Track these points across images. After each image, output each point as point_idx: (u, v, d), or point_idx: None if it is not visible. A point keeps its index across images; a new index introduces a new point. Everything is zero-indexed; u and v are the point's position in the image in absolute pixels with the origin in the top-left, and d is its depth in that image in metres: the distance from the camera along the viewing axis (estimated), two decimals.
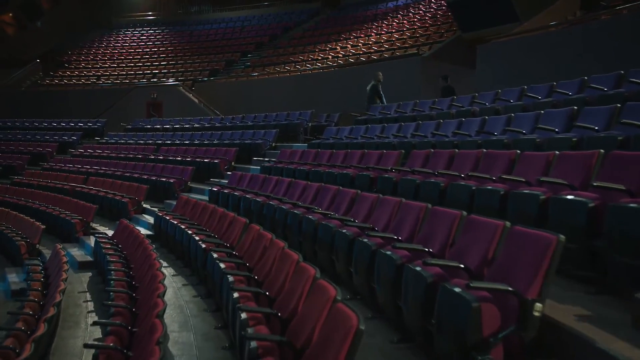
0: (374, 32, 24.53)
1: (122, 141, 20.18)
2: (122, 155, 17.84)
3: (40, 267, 9.62)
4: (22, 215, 13.82)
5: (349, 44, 24.21)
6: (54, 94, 27.56)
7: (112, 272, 7.12)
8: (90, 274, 9.50)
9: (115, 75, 29.29)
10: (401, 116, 11.41)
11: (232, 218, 7.67)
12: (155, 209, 12.44)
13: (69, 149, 20.81)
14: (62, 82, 29.68)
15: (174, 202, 11.71)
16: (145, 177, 14.43)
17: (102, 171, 16.55)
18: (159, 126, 20.90)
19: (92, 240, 10.50)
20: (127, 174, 15.30)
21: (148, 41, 33.67)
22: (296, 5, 32.93)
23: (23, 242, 11.80)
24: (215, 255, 6.30)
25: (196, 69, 27.47)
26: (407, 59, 18.44)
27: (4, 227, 13.39)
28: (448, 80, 13.72)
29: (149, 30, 35.40)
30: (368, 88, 13.98)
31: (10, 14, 33.58)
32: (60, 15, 35.13)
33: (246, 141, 14.70)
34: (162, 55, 30.91)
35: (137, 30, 35.54)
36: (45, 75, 31.30)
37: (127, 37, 35.04)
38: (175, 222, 9.04)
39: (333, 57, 23.17)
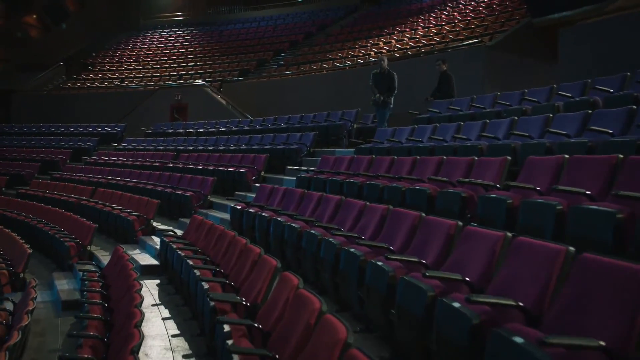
0: (420, 26, 22.27)
1: (140, 147, 18.00)
2: (138, 163, 15.62)
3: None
4: (13, 235, 11.63)
5: (393, 38, 21.91)
6: (76, 97, 25.89)
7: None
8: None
9: (140, 77, 27.44)
10: (478, 112, 8.83)
11: (256, 256, 5.20)
12: (169, 228, 10.15)
13: (83, 156, 18.71)
14: (84, 85, 27.99)
15: (189, 222, 9.37)
16: (160, 188, 12.11)
17: (113, 181, 14.34)
18: (181, 130, 18.67)
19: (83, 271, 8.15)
20: (140, 185, 13.03)
21: (176, 42, 31.94)
22: (332, 2, 31.10)
23: (5, 272, 9.57)
24: (226, 329, 3.86)
25: (225, 69, 25.39)
26: (464, 50, 15.86)
27: None
28: (446, 65, 11.48)
29: (177, 31, 33.75)
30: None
31: (35, 16, 32.19)
32: (86, 17, 33.83)
33: (278, 146, 12.26)
34: (190, 56, 29.07)
35: (164, 32, 33.96)
36: (68, 78, 29.72)
37: (154, 38, 33.36)
38: (182, 254, 6.62)
39: (376, 52, 20.81)
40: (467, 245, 3.89)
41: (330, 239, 5.26)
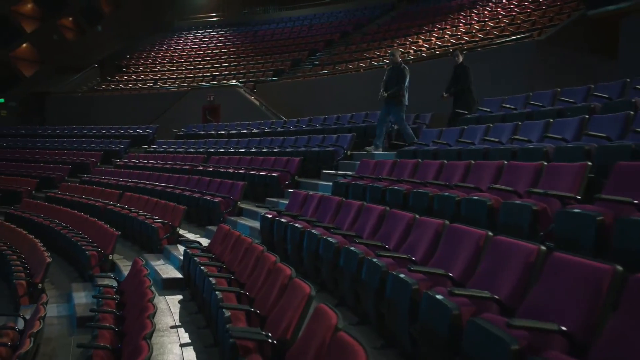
0: (462, 22, 21.33)
1: (171, 149, 17.44)
2: (168, 166, 15.04)
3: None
4: (35, 241, 11.11)
5: (433, 36, 21.00)
6: (109, 99, 25.67)
7: None
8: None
9: (173, 79, 27.05)
10: (536, 111, 7.88)
11: (287, 279, 4.40)
12: (195, 237, 9.46)
13: (113, 159, 18.26)
14: (117, 87, 27.74)
15: (216, 230, 8.67)
16: (188, 193, 11.45)
17: (141, 185, 13.76)
18: (212, 132, 18.04)
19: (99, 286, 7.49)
20: (169, 189, 12.40)
21: (210, 43, 31.58)
22: (369, 1, 30.36)
23: (23, 282, 9.02)
24: None
25: (259, 70, 24.80)
26: (511, 46, 14.84)
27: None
28: (462, 58, 10.60)
29: (211, 32, 33.41)
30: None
31: (70, 19, 32.17)
32: (121, 19, 33.79)
33: (313, 149, 11.47)
34: (224, 57, 28.62)
35: (198, 32, 33.68)
36: (102, 80, 29.59)
37: (188, 39, 33.07)
38: (205, 271, 5.87)
39: (415, 51, 19.92)
40: (553, 280, 3.02)
41: (374, 260, 4.43)
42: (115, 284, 7.22)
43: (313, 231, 6.02)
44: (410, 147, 8.92)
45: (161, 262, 8.71)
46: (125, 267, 9.00)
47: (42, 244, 10.75)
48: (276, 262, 4.96)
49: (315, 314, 3.49)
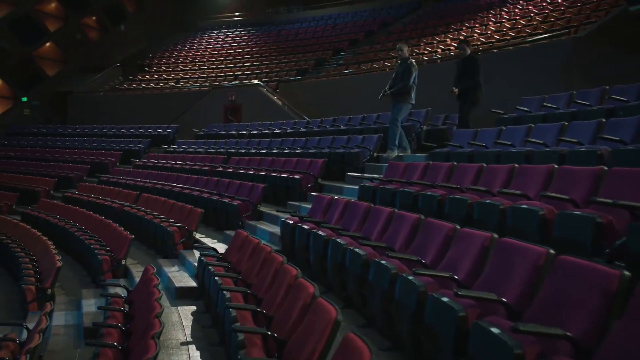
0: (492, 21, 20.64)
1: (191, 149, 17.01)
2: (187, 167, 14.59)
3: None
4: (48, 243, 10.71)
5: (462, 34, 20.30)
6: (131, 98, 25.39)
7: None
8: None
9: (195, 78, 26.72)
10: (582, 110, 7.21)
11: (309, 298, 3.85)
12: (212, 242, 8.96)
13: (132, 159, 17.89)
14: (139, 86, 27.50)
15: (234, 235, 8.16)
16: (206, 195, 10.96)
17: (159, 186, 13.32)
18: (233, 132, 17.58)
19: (106, 296, 7.02)
20: (186, 191, 11.93)
21: (232, 42, 31.23)
22: (394, 0, 29.64)
23: (31, 287, 8.60)
24: None
25: (282, 69, 24.32)
26: (545, 45, 14.15)
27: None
28: (469, 50, 9.56)
29: (234, 31, 33.06)
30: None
31: (94, 18, 32.07)
32: (144, 18, 33.64)
33: (338, 150, 10.90)
34: (246, 57, 28.20)
35: (221, 32, 33.37)
36: (124, 79, 29.38)
37: (210, 39, 32.77)
38: (220, 283, 5.35)
39: (443, 50, 19.28)
40: (561, 284, 2.51)
41: (410, 278, 3.85)
42: (124, 293, 6.74)
43: (338, 240, 5.46)
44: (443, 149, 8.29)
45: (175, 268, 8.21)
46: (138, 273, 8.52)
47: (54, 247, 10.36)
48: (297, 277, 4.41)
49: (344, 346, 2.92)
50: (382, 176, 7.96)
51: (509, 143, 6.93)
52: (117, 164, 18.29)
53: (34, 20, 28.28)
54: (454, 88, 9.28)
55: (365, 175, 8.73)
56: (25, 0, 27.85)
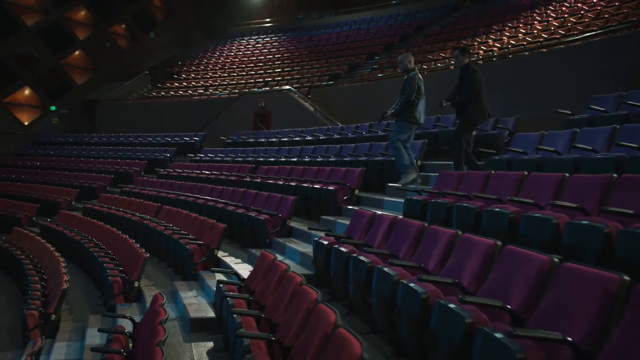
0: (537, 20, 19.38)
1: (218, 158, 16.08)
2: (213, 177, 13.63)
3: None
4: (59, 260, 9.82)
5: (505, 35, 19.12)
6: (159, 106, 24.78)
7: None
8: None
9: (224, 85, 25.93)
10: None
11: (356, 358, 2.74)
12: (236, 263, 7.92)
13: (157, 168, 17.04)
14: (168, 94, 26.86)
15: (258, 257, 7.11)
16: (231, 208, 9.93)
17: (182, 197, 12.38)
18: (262, 139, 16.59)
19: (106, 332, 6.02)
20: (210, 203, 10.93)
21: (263, 49, 30.45)
22: (430, 3, 28.73)
23: (34, 313, 7.68)
24: None
25: (314, 75, 23.36)
26: (600, 42, 12.85)
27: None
28: (467, 58, 7.84)
29: (265, 37, 32.29)
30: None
31: (123, 26, 31.69)
32: (174, 26, 33.21)
33: (376, 158, 9.78)
34: (277, 62, 27.35)
35: (252, 39, 32.63)
36: (153, 87, 28.81)
37: (241, 45, 32.07)
38: (238, 321, 4.28)
39: (485, 51, 18.08)
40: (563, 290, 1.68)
41: (499, 337, 2.71)
42: (129, 326, 5.73)
43: (386, 270, 4.33)
44: (503, 156, 7.10)
45: (193, 293, 7.18)
46: (152, 297, 7.53)
47: (66, 264, 9.52)
48: (336, 324, 3.31)
49: None
50: (431, 188, 6.80)
51: (589, 147, 5.72)
52: (142, 173, 17.49)
53: (63, 29, 27.94)
54: (443, 101, 7.87)
55: (410, 186, 7.58)
56: (55, 9, 27.54)
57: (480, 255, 3.83)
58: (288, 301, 4.48)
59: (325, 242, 5.94)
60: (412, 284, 3.83)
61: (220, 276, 7.05)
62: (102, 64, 29.26)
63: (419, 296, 3.66)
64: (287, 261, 7.18)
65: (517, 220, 4.55)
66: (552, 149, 6.22)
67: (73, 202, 16.40)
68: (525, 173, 5.40)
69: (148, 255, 8.12)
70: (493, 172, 5.98)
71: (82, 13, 29.40)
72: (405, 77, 8.25)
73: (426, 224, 4.96)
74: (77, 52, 28.90)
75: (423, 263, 4.47)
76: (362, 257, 4.94)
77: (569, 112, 7.76)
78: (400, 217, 5.79)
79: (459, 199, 5.77)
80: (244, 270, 7.12)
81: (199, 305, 6.53)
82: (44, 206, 16.36)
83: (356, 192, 8.88)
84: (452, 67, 16.26)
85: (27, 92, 27.00)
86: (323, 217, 8.47)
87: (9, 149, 24.37)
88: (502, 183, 5.65)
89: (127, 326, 5.82)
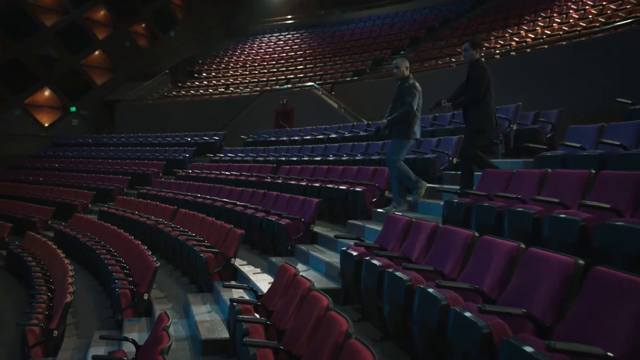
0: (572, 8, 18.29)
1: (238, 158, 15.38)
2: (232, 177, 12.93)
3: None
4: (67, 268, 9.19)
5: (539, 25, 18.11)
6: (179, 105, 24.23)
7: None
8: None
9: (245, 83, 25.28)
10: None
11: None
12: (256, 271, 7.20)
13: (175, 169, 16.40)
14: (188, 93, 26.30)
15: (280, 264, 6.36)
16: (250, 211, 9.20)
17: (199, 200, 11.71)
18: (284, 138, 15.85)
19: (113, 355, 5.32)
20: (229, 206, 10.22)
21: (285, 46, 29.77)
22: None
23: (35, 329, 7.03)
24: None
25: (337, 71, 22.56)
26: None
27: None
28: (478, 53, 6.59)
29: (287, 34, 31.60)
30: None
31: (143, 25, 31.21)
32: (195, 24, 32.67)
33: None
34: (299, 59, 26.62)
35: (273, 36, 31.96)
36: (174, 86, 28.30)
37: (262, 43, 31.40)
38: (252, 353, 3.52)
39: (518, 42, 17.13)
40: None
41: None
42: (132, 350, 5.02)
43: (431, 292, 3.53)
44: (556, 152, 6.23)
45: (207, 308, 6.45)
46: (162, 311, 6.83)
47: (73, 275, 8.83)
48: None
49: None
50: (474, 189, 5.95)
51: None
52: (160, 174, 16.88)
53: (82, 29, 27.56)
54: (443, 101, 6.81)
55: (445, 187, 6.76)
56: (74, 9, 27.17)
57: (555, 275, 3.01)
58: (312, 330, 3.71)
59: (355, 253, 5.15)
60: (468, 314, 3.02)
61: (235, 291, 6.32)
62: (122, 64, 28.85)
63: (479, 331, 2.85)
64: (311, 272, 6.43)
65: (589, 228, 3.72)
66: (617, 142, 5.34)
67: (89, 205, 15.87)
68: (592, 171, 4.54)
69: (159, 264, 7.41)
70: (550, 170, 5.12)
71: (102, 13, 29.00)
72: (402, 84, 7.32)
73: (476, 234, 4.14)
74: (96, 52, 28.52)
75: (477, 283, 3.65)
76: (399, 274, 4.14)
77: (629, 101, 6.84)
78: (448, 227, 4.95)
79: (511, 202, 4.94)
80: (263, 282, 6.38)
81: (212, 324, 5.80)
82: (60, 209, 15.87)
83: (387, 193, 8.07)
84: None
85: (47, 93, 26.68)
86: (350, 221, 7.67)
87: (28, 151, 24.04)
88: (561, 183, 4.80)
89: (132, 345, 5.12)
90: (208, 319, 5.98)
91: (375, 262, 4.64)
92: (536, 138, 8.90)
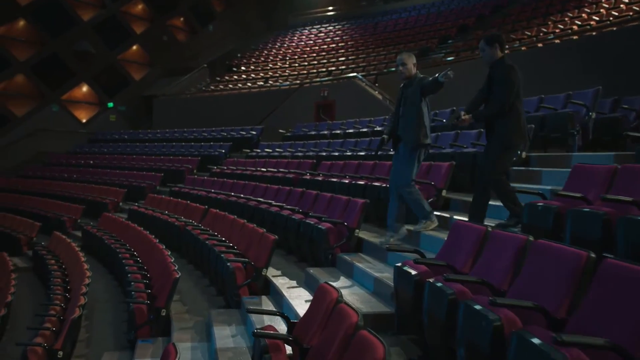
0: None
1: (275, 153, 14.37)
2: (269, 174, 11.91)
3: None
4: (86, 274, 8.33)
5: (603, 6, 16.59)
6: (218, 100, 23.40)
7: None
8: None
9: (285, 76, 24.30)
10: None
11: None
12: (292, 284, 6.16)
13: (209, 165, 15.50)
14: (227, 87, 25.48)
15: (319, 277, 5.29)
16: (286, 213, 8.15)
17: (232, 199, 10.74)
18: (325, 132, 14.76)
19: None
20: (263, 206, 9.20)
21: (326, 38, 28.75)
22: None
23: (38, 349, 6.12)
24: None
25: (381, 62, 21.39)
26: None
27: None
28: (497, 46, 5.17)
29: (328, 26, 30.54)
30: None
31: (181, 19, 30.62)
32: (234, 18, 31.89)
33: (465, 149, 7.76)
34: (341, 51, 25.53)
35: (314, 28, 30.97)
36: (212, 81, 27.56)
37: (302, 35, 30.41)
38: None
39: (580, 25, 15.66)
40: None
41: None
42: None
43: (536, 343, 2.38)
44: None
45: (231, 330, 5.40)
46: (181, 332, 5.84)
47: (89, 283, 7.96)
48: None
49: None
50: (562, 189, 4.72)
51: None
52: (194, 171, 16.03)
53: (119, 23, 27.07)
54: (462, 113, 5.43)
55: (526, 186, 5.54)
56: (111, 3, 26.70)
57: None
58: None
59: (414, 272, 4.01)
60: None
61: (262, 318, 5.27)
62: (160, 59, 28.28)
63: None
64: (356, 289, 5.32)
65: None
66: None
67: (120, 203, 15.14)
68: None
69: (179, 275, 6.40)
70: None
71: (139, 7, 28.50)
72: (404, 84, 6.24)
73: (592, 254, 2.94)
74: (134, 47, 28.03)
75: (595, 326, 2.47)
76: (480, 308, 2.99)
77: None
78: (543, 242, 3.74)
79: (621, 207, 3.73)
80: (298, 300, 5.31)
81: (235, 353, 4.76)
82: (91, 207, 15.18)
83: (443, 192, 6.89)
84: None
85: (84, 89, 26.30)
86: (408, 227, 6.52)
87: (66, 148, 23.63)
88: None
89: None
90: (231, 347, 4.94)
91: (440, 285, 3.49)
92: (617, 128, 7.66)
